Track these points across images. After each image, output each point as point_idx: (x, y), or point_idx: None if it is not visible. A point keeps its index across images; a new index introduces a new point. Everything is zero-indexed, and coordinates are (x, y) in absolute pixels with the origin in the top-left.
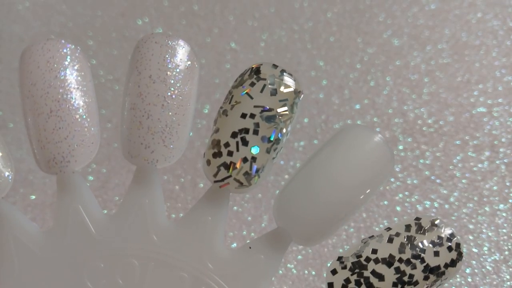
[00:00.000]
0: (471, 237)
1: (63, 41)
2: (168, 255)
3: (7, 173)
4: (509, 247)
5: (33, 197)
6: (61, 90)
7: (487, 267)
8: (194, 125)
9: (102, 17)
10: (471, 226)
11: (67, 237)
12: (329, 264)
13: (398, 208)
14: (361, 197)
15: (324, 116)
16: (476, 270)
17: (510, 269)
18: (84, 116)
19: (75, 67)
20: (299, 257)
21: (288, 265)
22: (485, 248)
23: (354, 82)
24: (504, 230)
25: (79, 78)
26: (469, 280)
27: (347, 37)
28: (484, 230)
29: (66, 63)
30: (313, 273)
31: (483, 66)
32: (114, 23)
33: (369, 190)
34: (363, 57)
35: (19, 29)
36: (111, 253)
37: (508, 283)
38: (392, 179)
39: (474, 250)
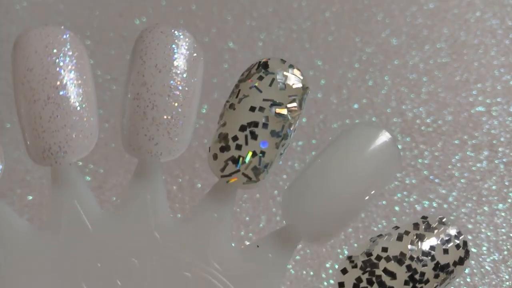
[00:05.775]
0: (470, 237)
1: (62, 27)
2: (171, 254)
3: None
4: (508, 247)
5: (30, 197)
6: (60, 77)
7: (486, 267)
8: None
9: (100, 17)
10: (470, 226)
11: (61, 235)
12: (327, 265)
13: (396, 208)
14: (367, 198)
15: (323, 115)
16: (475, 270)
17: (509, 269)
18: (84, 106)
19: (75, 55)
20: (297, 257)
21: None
22: (484, 248)
23: (352, 82)
24: (503, 230)
25: (78, 66)
26: (468, 280)
27: (346, 37)
28: (483, 230)
29: (66, 49)
30: (311, 273)
31: (481, 65)
32: (112, 23)
33: (381, 183)
34: (362, 57)
35: (17, 29)
36: (110, 252)
37: (507, 283)
38: None
39: (473, 250)
